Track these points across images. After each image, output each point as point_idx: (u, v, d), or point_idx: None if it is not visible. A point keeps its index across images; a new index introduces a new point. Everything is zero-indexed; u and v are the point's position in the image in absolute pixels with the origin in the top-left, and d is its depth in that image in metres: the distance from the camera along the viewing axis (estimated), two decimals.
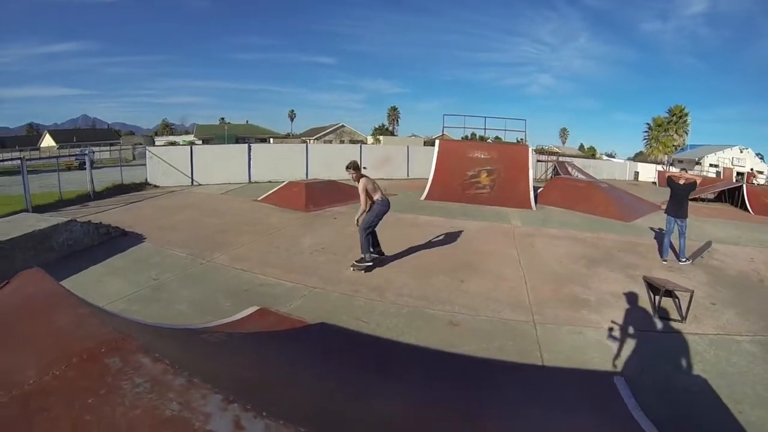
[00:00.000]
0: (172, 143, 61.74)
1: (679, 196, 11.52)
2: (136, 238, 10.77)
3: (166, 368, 1.90)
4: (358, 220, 9.19)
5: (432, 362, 5.95)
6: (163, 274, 8.48)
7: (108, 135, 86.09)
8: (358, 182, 9.05)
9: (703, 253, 12.24)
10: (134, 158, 40.14)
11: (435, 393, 4.59)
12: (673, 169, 51.57)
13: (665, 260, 11.25)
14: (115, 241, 10.57)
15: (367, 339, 6.31)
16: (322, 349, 5.55)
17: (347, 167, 9.24)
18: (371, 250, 9.29)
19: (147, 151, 21.64)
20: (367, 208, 9.14)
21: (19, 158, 18.06)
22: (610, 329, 7.22)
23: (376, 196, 9.17)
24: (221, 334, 4.71)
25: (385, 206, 9.29)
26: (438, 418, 3.57)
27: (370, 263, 9.23)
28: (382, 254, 9.71)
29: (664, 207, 20.61)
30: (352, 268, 9.16)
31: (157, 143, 63.56)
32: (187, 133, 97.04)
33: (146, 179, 20.71)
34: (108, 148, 50.72)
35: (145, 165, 21.46)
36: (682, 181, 11.58)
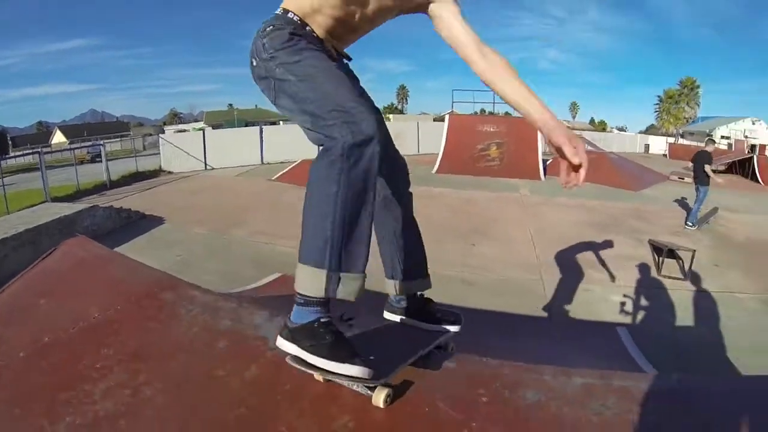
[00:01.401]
0: (182, 131, 61.81)
1: (694, 166, 12.33)
2: (156, 221, 10.98)
3: (216, 297, 2.29)
4: None
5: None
6: (186, 250, 8.73)
7: (118, 127, 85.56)
8: None
9: (709, 219, 12.62)
10: (145, 148, 40.14)
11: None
12: (683, 141, 51.76)
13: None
14: (136, 224, 10.82)
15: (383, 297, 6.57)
16: (345, 307, 5.87)
17: None
18: None
19: (160, 139, 22.16)
20: None
21: (38, 151, 18.45)
22: (615, 286, 7.61)
23: None
24: (247, 297, 5.05)
25: None
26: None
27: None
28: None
29: (672, 178, 21.31)
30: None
31: (167, 132, 63.89)
32: (195, 121, 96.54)
33: (160, 166, 20.95)
34: (119, 140, 50.86)
35: (156, 154, 21.79)
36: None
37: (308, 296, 1.51)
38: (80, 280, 2.84)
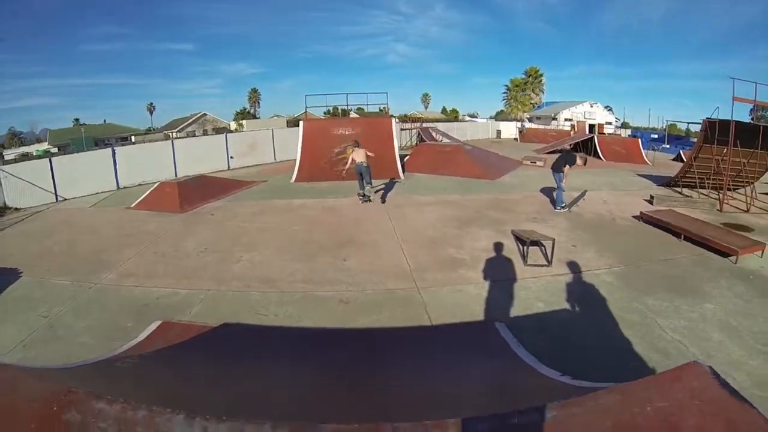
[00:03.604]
0: (25, 155, 57.20)
1: (556, 161, 13.68)
2: (10, 275, 9.48)
3: (123, 406, 2.02)
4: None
5: (331, 339, 6.38)
6: (52, 308, 7.74)
7: None
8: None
9: (579, 202, 13.95)
10: None
11: (340, 366, 5.00)
12: (528, 124, 56.37)
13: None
14: None
15: (270, 330, 6.61)
16: (232, 349, 5.79)
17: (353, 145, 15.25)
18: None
19: (0, 172, 19.24)
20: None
21: None
22: (487, 282, 8.09)
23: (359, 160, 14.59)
24: (133, 357, 4.83)
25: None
26: (346, 389, 3.98)
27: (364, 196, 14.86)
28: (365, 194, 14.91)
29: (526, 162, 23.12)
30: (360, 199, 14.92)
31: (6, 157, 58.39)
32: (39, 141, 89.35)
33: (4, 203, 18.38)
34: None
35: None
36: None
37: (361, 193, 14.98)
38: None
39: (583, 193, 14.47)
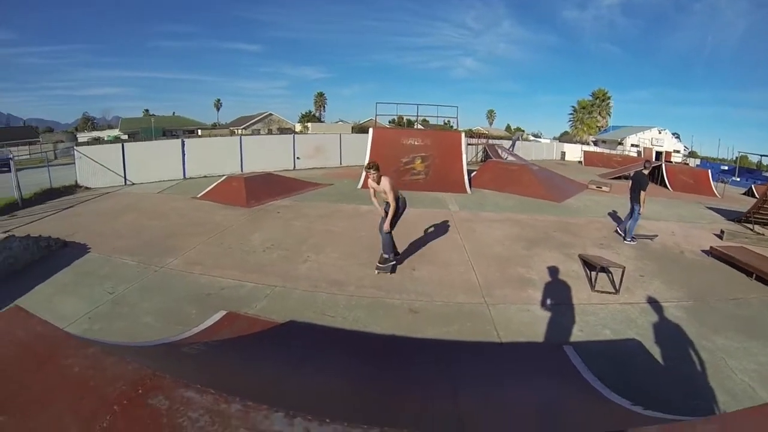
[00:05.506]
0: (97, 139, 59.37)
1: (631, 186, 12.96)
2: (79, 249, 9.92)
3: (215, 398, 1.79)
4: (384, 222, 8.72)
5: (401, 348, 6.23)
6: (118, 286, 7.96)
7: (25, 133, 78.13)
8: (379, 182, 8.56)
9: (653, 237, 13.10)
10: (56, 157, 36.95)
11: (411, 376, 4.85)
12: (594, 148, 55.05)
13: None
14: (57, 254, 9.64)
15: (337, 333, 6.51)
16: (299, 346, 5.69)
17: (368, 167, 8.58)
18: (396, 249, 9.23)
19: (75, 151, 19.95)
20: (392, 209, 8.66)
21: None
22: (555, 304, 7.86)
23: (398, 194, 8.73)
24: (200, 344, 4.74)
25: (405, 205, 9.11)
26: (418, 397, 3.83)
27: (394, 262, 9.07)
28: (398, 253, 9.46)
29: (592, 187, 22.42)
30: (377, 271, 8.97)
31: (80, 140, 60.58)
32: (110, 127, 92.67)
33: (76, 181, 19.26)
34: (27, 147, 47.64)
35: (69, 164, 20.08)
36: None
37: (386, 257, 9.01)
38: (36, 381, 2.01)
39: (653, 237, 13.71)
